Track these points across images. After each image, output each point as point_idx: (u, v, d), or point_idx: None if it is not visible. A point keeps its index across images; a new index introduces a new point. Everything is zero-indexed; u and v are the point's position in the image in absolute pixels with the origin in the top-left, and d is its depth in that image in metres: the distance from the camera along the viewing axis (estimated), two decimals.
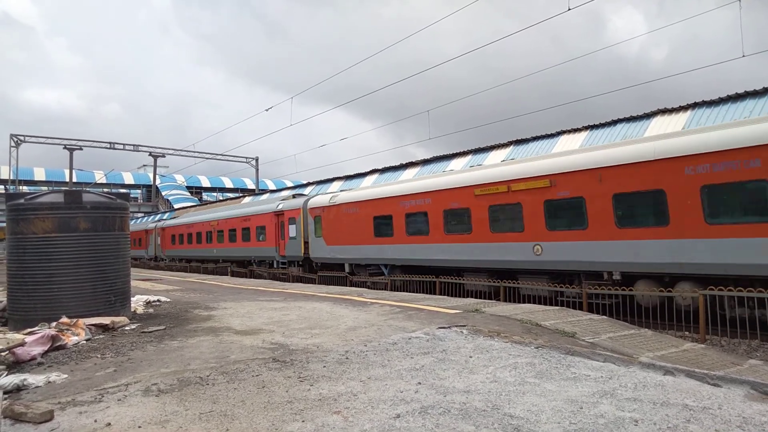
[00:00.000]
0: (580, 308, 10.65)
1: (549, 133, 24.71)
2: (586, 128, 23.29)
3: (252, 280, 21.23)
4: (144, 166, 72.73)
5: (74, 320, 7.56)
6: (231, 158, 62.40)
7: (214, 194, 76.98)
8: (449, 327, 7.42)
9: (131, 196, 67.80)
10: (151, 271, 30.74)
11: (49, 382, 5.19)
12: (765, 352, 8.33)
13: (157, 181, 69.77)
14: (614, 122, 22.27)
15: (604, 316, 8.88)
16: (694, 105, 19.98)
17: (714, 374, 4.80)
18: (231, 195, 68.87)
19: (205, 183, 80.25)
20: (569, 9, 15.77)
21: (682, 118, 19.71)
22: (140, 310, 10.21)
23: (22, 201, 8.33)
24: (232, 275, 25.54)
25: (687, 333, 9.52)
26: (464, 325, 7.54)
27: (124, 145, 58.63)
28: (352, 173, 36.60)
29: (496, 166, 14.93)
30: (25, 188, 58.06)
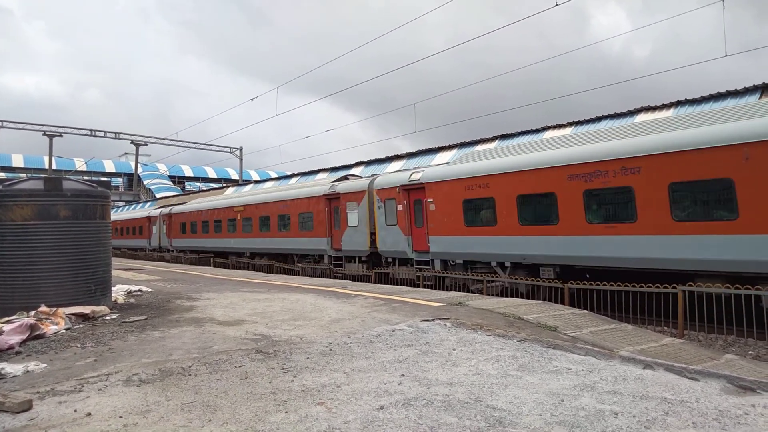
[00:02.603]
0: None
1: (534, 128, 24.90)
2: (570, 124, 23.50)
3: (235, 270, 21.02)
4: (126, 154, 71.65)
5: (54, 309, 7.45)
6: (214, 148, 61.70)
7: (197, 184, 76.27)
8: (433, 320, 7.45)
9: (112, 184, 66.88)
10: (132, 261, 30.25)
11: (28, 371, 5.12)
12: (741, 348, 8.52)
13: (139, 170, 68.78)
14: (599, 119, 22.50)
15: (586, 311, 8.99)
16: (677, 103, 20.26)
17: (692, 368, 4.89)
18: (214, 185, 68.23)
19: (188, 172, 79.46)
20: (556, 5, 15.86)
21: (666, 115, 19.97)
22: (121, 299, 10.09)
23: (0, 187, 8.18)
24: (264, 270, 22.24)
25: (666, 328, 9.69)
26: (448, 318, 7.58)
27: (105, 132, 57.53)
28: (337, 165, 36.58)
29: None
30: (2, 175, 56.79)
